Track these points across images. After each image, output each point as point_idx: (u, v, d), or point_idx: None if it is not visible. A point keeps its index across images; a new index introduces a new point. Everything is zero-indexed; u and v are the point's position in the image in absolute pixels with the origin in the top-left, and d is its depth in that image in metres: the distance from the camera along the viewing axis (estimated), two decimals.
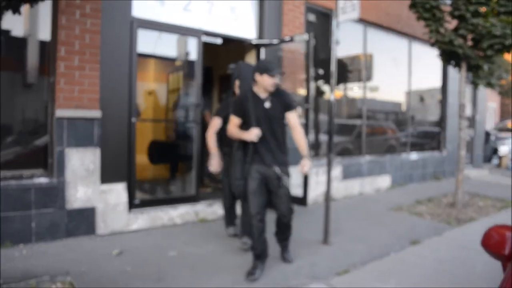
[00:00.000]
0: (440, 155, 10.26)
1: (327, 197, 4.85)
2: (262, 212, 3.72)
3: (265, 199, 3.76)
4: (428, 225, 5.70)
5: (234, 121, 3.83)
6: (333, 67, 4.86)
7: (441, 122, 10.55)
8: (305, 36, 5.63)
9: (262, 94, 3.73)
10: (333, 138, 4.94)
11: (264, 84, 3.66)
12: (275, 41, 6.16)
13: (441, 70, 10.27)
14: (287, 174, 3.76)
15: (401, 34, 8.85)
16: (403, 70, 9.28)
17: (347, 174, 7.56)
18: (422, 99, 10.58)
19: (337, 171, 7.29)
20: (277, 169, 3.67)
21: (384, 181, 8.41)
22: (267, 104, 3.70)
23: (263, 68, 3.66)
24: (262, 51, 6.25)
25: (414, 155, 9.43)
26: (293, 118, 3.77)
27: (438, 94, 10.65)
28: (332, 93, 4.92)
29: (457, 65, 6.84)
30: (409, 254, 4.51)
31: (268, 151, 3.69)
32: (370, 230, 5.38)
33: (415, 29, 8.76)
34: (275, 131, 3.72)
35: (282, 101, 3.73)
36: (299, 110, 5.72)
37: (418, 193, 7.99)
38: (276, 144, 3.72)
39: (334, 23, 4.97)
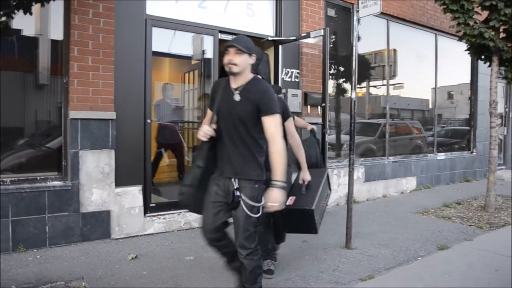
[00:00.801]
0: (470, 155, 9.84)
1: (349, 199, 4.64)
2: (212, 233, 2.85)
3: (219, 218, 2.81)
4: (457, 229, 5.41)
5: (207, 114, 2.94)
6: (355, 63, 4.65)
7: (471, 120, 10.12)
8: (321, 31, 5.42)
9: (233, 83, 2.76)
10: (355, 138, 4.71)
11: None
12: (292, 38, 5.96)
13: (469, 65, 9.83)
14: (254, 193, 2.71)
15: (426, 27, 8.50)
16: (429, 66, 8.92)
17: (370, 176, 7.28)
18: (449, 96, 10.19)
19: (359, 172, 7.03)
20: (235, 184, 2.71)
21: (409, 183, 8.09)
22: (236, 97, 2.70)
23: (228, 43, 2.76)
24: (280, 48, 6.07)
25: (441, 156, 9.06)
26: (271, 127, 2.64)
27: (467, 91, 10.22)
28: (354, 90, 4.70)
29: (488, 59, 6.50)
30: (436, 259, 4.28)
31: (226, 158, 2.74)
32: (395, 234, 5.15)
33: (441, 22, 8.41)
34: (242, 134, 2.69)
35: (255, 99, 2.66)
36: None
37: (446, 195, 7.64)
38: (242, 150, 2.70)
39: (355, 18, 4.75)
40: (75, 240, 4.43)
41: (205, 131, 2.71)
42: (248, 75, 2.75)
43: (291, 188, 3.62)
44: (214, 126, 2.77)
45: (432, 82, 9.11)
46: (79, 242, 4.45)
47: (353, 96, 4.68)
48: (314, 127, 4.59)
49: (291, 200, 3.46)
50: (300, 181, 3.55)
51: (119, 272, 3.75)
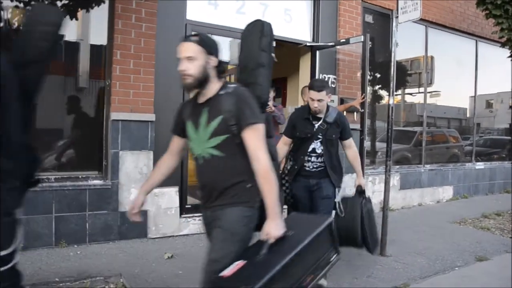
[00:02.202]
0: (510, 166, 9.48)
1: (385, 206, 4.58)
2: None
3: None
4: (497, 241, 5.23)
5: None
6: (393, 70, 4.61)
7: None
8: (361, 38, 5.39)
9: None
10: (391, 145, 4.64)
11: None
12: (330, 44, 5.95)
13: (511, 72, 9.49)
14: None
15: (466, 34, 8.29)
16: (468, 73, 8.69)
17: (405, 184, 7.15)
18: (488, 105, 9.87)
19: (394, 180, 6.91)
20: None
21: (445, 192, 7.88)
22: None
23: None
24: (317, 54, 6.06)
25: (480, 165, 8.78)
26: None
27: (507, 99, 9.88)
28: (392, 97, 4.65)
29: None
30: (474, 270, 4.16)
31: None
32: (431, 242, 5.03)
33: (482, 28, 8.19)
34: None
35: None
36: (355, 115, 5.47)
37: (485, 206, 7.39)
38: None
39: (394, 24, 4.70)
40: (113, 238, 4.55)
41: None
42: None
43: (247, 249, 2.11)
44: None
45: (471, 90, 8.87)
46: (117, 240, 4.57)
47: (391, 102, 4.64)
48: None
49: (232, 268, 1.96)
50: (265, 236, 2.02)
51: (156, 270, 3.83)
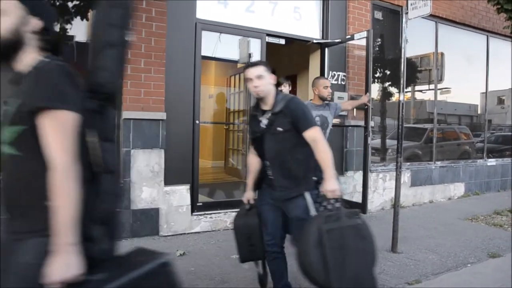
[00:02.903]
0: None
1: (396, 202, 4.57)
2: None
3: None
4: (510, 238, 5.16)
5: None
6: (403, 66, 4.59)
7: None
8: (365, 33, 5.38)
9: None
10: (402, 141, 4.63)
11: None
12: (337, 40, 5.95)
13: None
14: None
15: (477, 29, 8.20)
16: (479, 69, 8.59)
17: (416, 181, 7.11)
18: (500, 101, 9.76)
19: (405, 177, 6.88)
20: None
21: (457, 189, 7.82)
22: None
23: None
24: (326, 51, 6.06)
25: (492, 161, 8.69)
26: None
27: None
28: (402, 93, 4.63)
29: None
30: (487, 267, 4.13)
31: None
32: (442, 239, 5.00)
33: (493, 23, 8.11)
34: None
35: None
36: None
37: (497, 203, 7.31)
38: None
39: (403, 19, 4.68)
40: (125, 236, 4.58)
41: None
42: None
43: None
44: None
45: (482, 87, 8.77)
46: (129, 237, 4.61)
47: (401, 98, 4.62)
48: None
49: None
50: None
51: None
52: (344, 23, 6.21)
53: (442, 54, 7.83)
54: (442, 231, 5.38)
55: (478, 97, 8.96)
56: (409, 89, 7.85)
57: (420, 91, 8.15)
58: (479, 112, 9.11)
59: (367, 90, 5.37)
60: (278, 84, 3.78)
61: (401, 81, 4.63)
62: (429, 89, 7.94)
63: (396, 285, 3.59)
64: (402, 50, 4.62)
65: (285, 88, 5.03)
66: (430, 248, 4.62)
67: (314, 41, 6.05)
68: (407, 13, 4.70)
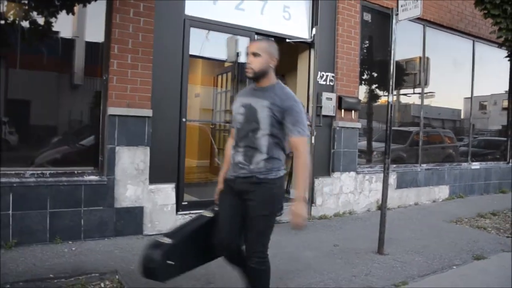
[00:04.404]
0: (506, 166, 9.50)
1: (383, 203, 4.58)
2: None
3: None
4: (494, 240, 5.24)
5: None
6: (392, 67, 4.62)
7: (508, 130, 9.78)
8: (314, 30, 5.52)
9: None
10: (390, 143, 4.63)
11: None
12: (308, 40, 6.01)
13: (508, 73, 9.46)
14: None
15: (464, 34, 8.30)
16: (464, 74, 8.70)
17: (402, 183, 7.15)
18: (482, 107, 9.88)
19: (391, 179, 6.89)
20: None
21: (441, 191, 7.89)
22: None
23: None
24: (313, 52, 6.02)
25: (475, 165, 8.80)
26: None
27: (501, 101, 9.92)
28: (391, 94, 4.63)
29: None
30: (472, 269, 4.16)
31: None
32: (428, 241, 5.03)
33: (479, 28, 8.21)
34: None
35: None
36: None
37: (480, 205, 7.41)
38: None
39: (393, 21, 4.68)
40: (108, 235, 4.49)
41: None
42: None
43: None
44: None
45: (467, 92, 8.88)
46: (112, 236, 4.50)
47: (390, 100, 4.62)
48: None
49: None
50: None
51: None
52: (333, 24, 6.19)
53: (427, 58, 7.88)
54: (428, 233, 5.42)
55: (462, 102, 9.06)
56: (395, 92, 7.87)
57: (405, 94, 8.19)
58: (462, 117, 9.20)
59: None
60: None
61: (390, 83, 4.64)
62: (414, 93, 7.98)
63: (383, 287, 3.59)
64: (392, 52, 4.62)
65: None
66: (416, 250, 4.64)
67: (287, 40, 5.89)
68: (397, 14, 4.71)
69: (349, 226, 5.65)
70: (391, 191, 6.79)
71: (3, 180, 3.98)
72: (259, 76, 2.58)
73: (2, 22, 4.24)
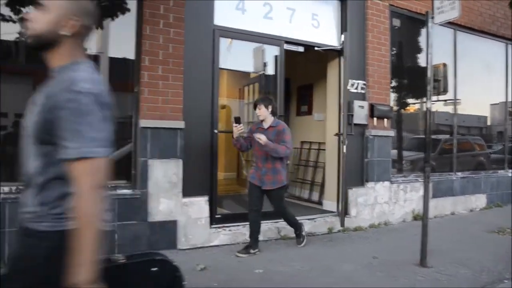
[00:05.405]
0: None
1: (425, 213, 4.39)
2: None
3: None
4: None
5: None
6: (430, 72, 4.47)
7: None
8: (343, 37, 5.40)
9: None
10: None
11: None
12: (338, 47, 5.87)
13: None
14: None
15: (496, 37, 8.03)
16: (496, 78, 8.40)
17: (437, 192, 6.89)
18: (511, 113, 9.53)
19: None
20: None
21: (478, 200, 7.59)
22: None
23: None
24: (343, 60, 5.89)
25: None
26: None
27: None
28: (429, 101, 4.46)
29: None
30: None
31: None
32: (471, 253, 4.79)
33: None
34: None
35: None
36: None
37: None
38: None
39: (429, 25, 4.53)
40: (142, 249, 4.38)
41: None
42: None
43: None
44: None
45: (495, 97, 8.57)
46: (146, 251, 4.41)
47: (429, 106, 4.45)
48: None
49: None
50: None
51: (190, 283, 3.63)
52: (363, 30, 6.06)
53: (445, 65, 7.54)
54: (470, 244, 5.18)
55: (488, 108, 8.74)
56: (418, 100, 7.60)
57: (435, 101, 7.92)
58: (488, 123, 8.88)
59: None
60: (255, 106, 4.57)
61: (428, 88, 4.48)
62: (439, 100, 7.71)
63: None
64: (429, 56, 4.47)
65: (260, 110, 4.56)
66: (460, 262, 4.41)
67: (316, 48, 5.80)
68: (432, 17, 4.56)
69: (386, 238, 5.45)
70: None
71: None
72: (42, 45, 1.42)
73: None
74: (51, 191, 1.35)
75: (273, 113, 4.59)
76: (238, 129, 4.44)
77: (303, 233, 4.86)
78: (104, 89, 1.37)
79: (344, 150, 5.52)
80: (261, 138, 4.31)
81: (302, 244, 4.81)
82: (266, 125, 4.54)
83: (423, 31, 6.85)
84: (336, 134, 5.94)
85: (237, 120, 4.47)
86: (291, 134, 4.59)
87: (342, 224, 5.56)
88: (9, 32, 4.02)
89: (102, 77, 1.40)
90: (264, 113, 4.51)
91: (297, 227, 4.84)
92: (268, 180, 4.48)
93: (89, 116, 1.29)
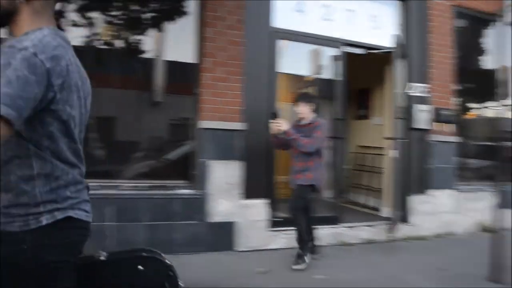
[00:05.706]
0: None
1: (497, 224, 4.09)
2: None
3: None
4: None
5: None
6: (501, 75, 4.21)
7: None
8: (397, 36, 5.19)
9: None
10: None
11: None
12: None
13: None
14: None
15: None
16: None
17: (505, 203, 6.44)
18: None
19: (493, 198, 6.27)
20: None
21: None
22: None
23: None
24: (405, 62, 5.67)
25: None
26: None
27: None
28: (503, 104, 4.20)
29: None
30: None
31: None
32: None
33: None
34: None
35: None
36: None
37: None
38: None
39: (500, 24, 4.29)
40: (200, 250, 4.40)
41: None
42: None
43: None
44: None
45: None
46: (204, 251, 4.41)
47: (500, 110, 4.20)
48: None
49: None
50: None
51: (249, 286, 3.62)
52: (425, 32, 5.82)
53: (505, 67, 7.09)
54: None
55: None
56: (480, 105, 7.18)
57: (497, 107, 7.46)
58: None
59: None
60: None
61: (500, 92, 4.22)
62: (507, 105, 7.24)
63: None
64: (498, 58, 4.22)
65: (300, 108, 4.33)
66: None
67: (374, 50, 5.64)
68: (502, 16, 4.31)
69: (450, 249, 5.16)
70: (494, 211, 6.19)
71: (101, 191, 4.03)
72: (1, 17, 1.31)
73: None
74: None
75: (314, 111, 4.31)
76: (276, 125, 4.09)
77: (306, 258, 4.13)
78: (59, 55, 1.22)
79: (396, 155, 5.25)
80: (282, 124, 4.06)
81: (299, 267, 4.07)
82: (304, 122, 4.26)
83: (488, 31, 6.55)
84: (387, 138, 5.71)
85: (274, 116, 4.19)
86: (326, 132, 4.35)
87: (402, 233, 5.33)
88: None
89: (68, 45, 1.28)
90: (304, 111, 4.25)
91: (304, 245, 4.19)
92: (297, 178, 4.22)
93: (7, 70, 1.12)
